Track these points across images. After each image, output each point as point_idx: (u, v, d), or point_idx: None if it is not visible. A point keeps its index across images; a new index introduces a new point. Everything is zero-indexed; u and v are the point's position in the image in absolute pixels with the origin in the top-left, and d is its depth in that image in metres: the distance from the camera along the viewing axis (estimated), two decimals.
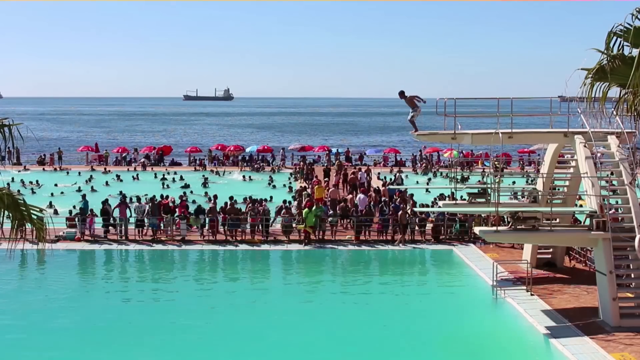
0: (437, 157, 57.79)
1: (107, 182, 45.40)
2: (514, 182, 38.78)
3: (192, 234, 29.14)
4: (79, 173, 50.52)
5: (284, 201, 30.80)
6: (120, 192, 38.67)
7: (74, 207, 30.97)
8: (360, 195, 32.47)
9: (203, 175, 47.94)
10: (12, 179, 43.89)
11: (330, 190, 35.68)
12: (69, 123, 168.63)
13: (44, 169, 53.59)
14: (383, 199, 32.06)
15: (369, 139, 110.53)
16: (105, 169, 53.21)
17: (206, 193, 39.21)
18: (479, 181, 29.83)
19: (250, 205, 30.23)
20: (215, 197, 31.36)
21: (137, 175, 49.17)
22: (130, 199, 32.24)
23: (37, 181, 44.47)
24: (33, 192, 40.76)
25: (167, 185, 44.53)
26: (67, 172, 51.26)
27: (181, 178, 47.48)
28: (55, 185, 43.35)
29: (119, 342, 17.54)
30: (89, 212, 29.23)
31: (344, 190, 39.91)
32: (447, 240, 28.45)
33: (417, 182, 44.99)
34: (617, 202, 19.47)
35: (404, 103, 21.67)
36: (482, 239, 23.51)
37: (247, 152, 61.40)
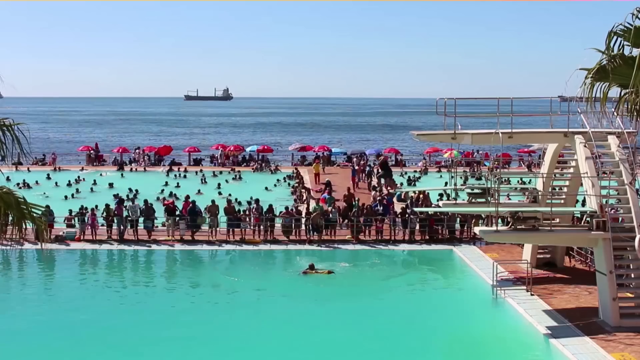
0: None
1: (95, 181, 45.12)
2: (523, 182, 38.74)
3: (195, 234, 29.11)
4: (79, 175, 50.43)
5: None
6: (131, 189, 38.91)
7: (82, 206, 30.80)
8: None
9: (214, 173, 49.33)
10: (8, 177, 43.80)
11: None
12: (69, 123, 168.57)
13: (42, 166, 53.56)
14: (387, 197, 32.14)
15: (369, 139, 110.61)
16: (102, 172, 53.19)
17: (220, 193, 39.25)
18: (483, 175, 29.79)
19: (254, 205, 30.13)
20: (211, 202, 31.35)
21: (105, 172, 50.01)
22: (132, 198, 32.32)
23: (25, 181, 43.86)
24: (48, 196, 39.53)
25: (205, 181, 45.82)
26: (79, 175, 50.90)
27: (184, 177, 48.07)
28: (75, 181, 44.02)
29: (117, 341, 17.57)
30: (91, 212, 29.17)
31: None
32: (447, 240, 28.48)
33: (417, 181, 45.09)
34: (608, 201, 19.39)
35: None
36: (481, 238, 23.53)
37: (247, 152, 61.53)
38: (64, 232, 28.65)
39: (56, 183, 44.32)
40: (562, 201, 22.92)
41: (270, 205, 29.78)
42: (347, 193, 33.40)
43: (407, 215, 28.79)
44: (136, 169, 54.55)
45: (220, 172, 50.81)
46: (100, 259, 26.82)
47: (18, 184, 41.15)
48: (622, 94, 10.77)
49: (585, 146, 19.37)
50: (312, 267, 23.87)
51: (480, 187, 23.38)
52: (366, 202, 32.08)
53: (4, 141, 8.84)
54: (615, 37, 10.74)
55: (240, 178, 49.05)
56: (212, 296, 22.07)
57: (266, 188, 42.76)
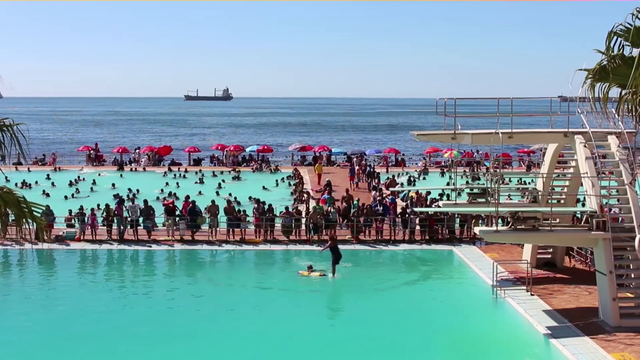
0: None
1: (94, 181, 45.03)
2: (523, 182, 38.82)
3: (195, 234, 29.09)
4: (79, 175, 50.39)
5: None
6: (131, 189, 38.86)
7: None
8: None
9: (213, 173, 49.52)
10: (7, 178, 43.68)
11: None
12: (70, 123, 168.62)
13: (42, 166, 53.52)
14: (389, 197, 32.15)
15: (369, 139, 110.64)
16: (100, 172, 53.12)
17: (217, 193, 39.24)
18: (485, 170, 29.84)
19: (256, 205, 30.14)
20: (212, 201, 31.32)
21: (104, 172, 50.56)
22: (132, 198, 32.27)
23: (25, 181, 43.81)
24: (47, 195, 39.79)
25: (202, 181, 45.73)
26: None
27: (184, 177, 47.84)
28: (75, 181, 44.48)
29: (117, 341, 17.57)
30: (91, 212, 29.15)
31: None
32: (447, 240, 28.48)
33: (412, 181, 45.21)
34: (609, 201, 19.38)
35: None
36: (481, 238, 23.53)
37: (247, 152, 61.54)
38: (64, 232, 28.64)
39: (53, 183, 44.18)
40: (562, 201, 22.94)
41: (270, 205, 29.79)
42: (346, 195, 33.26)
43: (407, 215, 28.80)
44: (136, 169, 54.53)
45: (222, 172, 50.79)
46: (100, 259, 26.82)
47: (16, 184, 41.07)
48: (622, 94, 10.79)
49: (585, 146, 19.36)
50: (310, 267, 23.87)
51: (480, 187, 23.39)
52: (366, 202, 32.08)
53: (4, 142, 8.85)
54: (615, 37, 10.75)
55: (239, 178, 49.06)
56: (211, 296, 22.06)
57: (264, 187, 42.75)
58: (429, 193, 33.34)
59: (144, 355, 16.97)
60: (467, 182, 36.53)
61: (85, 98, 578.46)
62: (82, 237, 28.52)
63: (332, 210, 29.80)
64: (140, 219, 28.88)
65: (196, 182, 45.48)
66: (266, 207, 29.44)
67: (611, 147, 19.43)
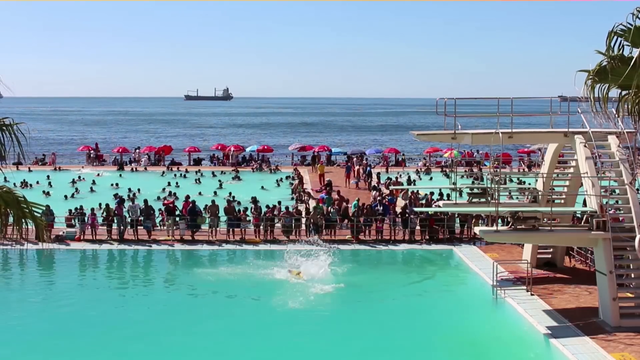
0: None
1: (94, 181, 44.97)
2: (522, 182, 38.74)
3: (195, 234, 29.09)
4: (80, 175, 50.36)
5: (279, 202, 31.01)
6: (130, 189, 38.79)
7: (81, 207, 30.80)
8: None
9: (213, 173, 49.42)
10: (5, 178, 43.65)
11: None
12: (70, 123, 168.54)
13: (42, 166, 53.48)
14: (389, 197, 32.15)
15: (370, 139, 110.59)
16: (99, 172, 53.05)
17: (215, 192, 39.23)
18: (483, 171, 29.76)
19: (253, 205, 30.16)
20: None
21: (103, 172, 50.52)
22: (133, 197, 32.24)
23: (25, 180, 43.73)
24: (48, 194, 39.92)
25: (199, 181, 45.63)
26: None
27: (184, 177, 47.77)
28: (74, 181, 44.14)
29: (116, 341, 17.57)
30: (91, 212, 29.14)
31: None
32: (447, 240, 28.47)
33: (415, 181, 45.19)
34: (609, 201, 19.38)
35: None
36: (481, 238, 23.53)
37: (247, 152, 61.50)
38: (64, 232, 28.63)
39: (49, 184, 44.05)
40: (562, 201, 22.92)
41: (271, 205, 29.75)
42: (338, 197, 33.12)
43: (407, 215, 28.79)
44: (136, 169, 54.51)
45: (222, 172, 50.73)
46: (100, 259, 26.82)
47: (15, 184, 40.91)
48: (622, 94, 10.80)
49: (585, 146, 19.36)
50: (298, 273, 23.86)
51: (480, 187, 23.38)
52: (366, 202, 32.07)
53: (3, 142, 8.84)
54: (615, 37, 10.76)
55: (239, 178, 48.98)
56: (211, 296, 22.04)
57: (262, 187, 42.72)
58: (432, 194, 33.28)
59: (144, 354, 16.97)
60: (473, 182, 36.46)
61: (85, 98, 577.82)
62: (82, 237, 28.52)
63: (332, 210, 29.79)
64: (141, 219, 28.88)
65: (193, 183, 45.40)
66: (264, 208, 29.42)
67: (611, 147, 19.42)
